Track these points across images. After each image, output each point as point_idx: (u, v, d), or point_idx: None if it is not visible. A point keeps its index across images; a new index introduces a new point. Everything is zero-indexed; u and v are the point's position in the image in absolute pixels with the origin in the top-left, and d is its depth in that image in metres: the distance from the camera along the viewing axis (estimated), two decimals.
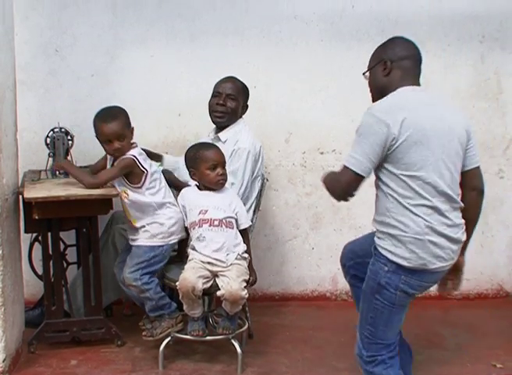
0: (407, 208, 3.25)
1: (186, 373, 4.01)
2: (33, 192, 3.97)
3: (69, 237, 4.42)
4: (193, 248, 4.00)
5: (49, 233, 4.17)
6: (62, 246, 4.32)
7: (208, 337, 4.03)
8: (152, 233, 3.98)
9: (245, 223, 4.10)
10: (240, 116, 4.47)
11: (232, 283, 3.84)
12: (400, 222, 3.26)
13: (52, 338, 4.18)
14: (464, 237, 3.34)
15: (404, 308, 3.45)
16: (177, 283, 3.87)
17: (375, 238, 3.40)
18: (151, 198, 3.98)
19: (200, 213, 3.99)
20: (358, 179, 3.23)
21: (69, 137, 4.44)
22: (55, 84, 4.92)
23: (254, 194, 4.41)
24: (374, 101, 3.50)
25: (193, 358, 4.18)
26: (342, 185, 3.29)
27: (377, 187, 3.37)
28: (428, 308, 5.02)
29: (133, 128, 4.07)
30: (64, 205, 3.94)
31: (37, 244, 4.47)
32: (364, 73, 3.58)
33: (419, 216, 3.23)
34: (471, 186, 3.44)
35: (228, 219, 4.02)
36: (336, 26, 4.96)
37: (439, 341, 4.51)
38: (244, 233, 4.11)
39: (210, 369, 4.04)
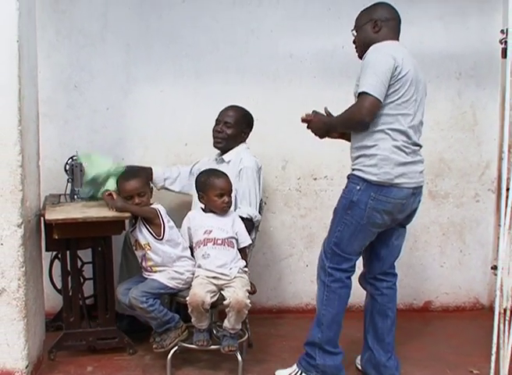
0: (384, 132, 3.58)
1: None
2: (54, 214, 3.98)
3: (85, 254, 4.42)
4: (199, 266, 4.02)
5: (68, 252, 4.18)
6: (79, 263, 4.32)
7: (212, 347, 4.01)
8: (171, 276, 3.99)
9: (245, 242, 4.13)
10: (243, 141, 4.54)
11: (237, 292, 3.86)
12: (375, 141, 3.60)
13: (70, 347, 4.19)
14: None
15: (370, 233, 3.75)
16: (187, 299, 3.87)
17: (351, 169, 3.76)
18: (171, 249, 4.01)
19: (205, 233, 4.02)
20: (376, 103, 3.52)
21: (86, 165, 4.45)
22: (74, 117, 4.94)
23: None
24: (360, 55, 3.81)
25: (198, 365, 4.17)
26: (366, 108, 3.53)
27: None
28: (411, 319, 5.07)
29: (152, 188, 4.21)
30: (81, 226, 3.95)
31: (56, 261, 4.53)
32: (352, 30, 3.88)
33: (391, 138, 3.58)
34: None
35: (229, 239, 4.05)
36: (328, 64, 5.02)
37: (421, 349, 4.51)
38: (243, 251, 4.13)
39: None
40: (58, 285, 4.54)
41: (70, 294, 4.20)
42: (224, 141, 4.48)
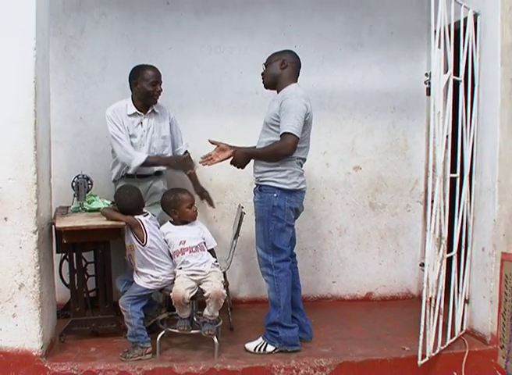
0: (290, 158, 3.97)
1: (176, 357, 4.01)
2: (63, 223, 4.02)
3: (89, 256, 4.43)
4: (180, 269, 4.06)
5: (74, 253, 4.20)
6: (83, 263, 4.33)
7: (193, 331, 4.08)
8: (150, 280, 4.03)
9: (212, 244, 4.21)
10: None
11: (215, 285, 3.94)
12: (282, 161, 3.95)
13: (77, 331, 4.20)
14: None
15: (290, 227, 4.10)
16: (171, 294, 3.94)
17: (258, 182, 4.08)
18: (151, 256, 4.02)
19: (180, 244, 4.06)
20: (297, 140, 3.87)
21: (89, 182, 4.50)
22: (79, 143, 4.98)
23: None
24: (265, 84, 4.16)
25: (181, 347, 4.20)
26: (290, 146, 3.86)
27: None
28: (355, 307, 5.18)
29: (144, 202, 4.24)
30: (85, 233, 3.99)
31: (65, 261, 4.54)
32: (264, 64, 4.15)
33: (294, 159, 3.99)
34: None
35: (200, 244, 4.12)
36: None
37: (364, 331, 4.56)
38: (212, 251, 4.22)
39: (194, 355, 4.06)
40: (67, 281, 4.50)
41: (76, 288, 4.22)
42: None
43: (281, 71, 4.06)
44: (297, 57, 4.13)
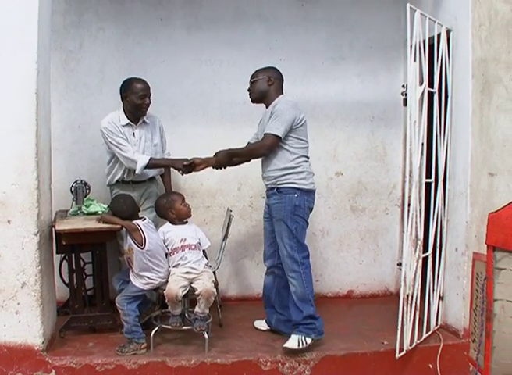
0: (301, 157, 4.02)
1: (169, 352, 4.03)
2: (62, 226, 4.05)
3: (87, 256, 4.41)
4: (175, 266, 4.09)
5: (73, 254, 4.23)
6: (82, 263, 4.33)
7: (184, 327, 4.12)
8: (146, 281, 4.04)
9: (205, 245, 4.26)
10: None
11: (206, 283, 3.97)
12: (299, 163, 4.02)
13: (76, 327, 4.22)
14: None
15: (307, 224, 4.15)
16: (165, 292, 3.97)
17: (275, 185, 4.09)
18: (149, 258, 4.02)
19: (181, 241, 4.11)
20: (276, 140, 3.99)
21: (86, 187, 4.53)
22: (78, 150, 4.99)
23: None
24: (253, 99, 4.26)
25: (174, 342, 4.22)
26: (266, 146, 4.01)
27: (280, 148, 4.05)
28: (337, 304, 5.20)
29: (139, 207, 4.26)
30: (83, 235, 4.03)
31: (64, 261, 4.53)
32: (250, 80, 4.24)
33: (306, 161, 4.05)
34: None
35: (197, 244, 4.17)
36: None
37: (345, 327, 4.58)
38: (204, 251, 4.26)
39: (186, 349, 4.09)
40: (66, 280, 4.53)
41: (75, 287, 4.24)
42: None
43: (268, 87, 4.17)
44: (280, 73, 4.25)
